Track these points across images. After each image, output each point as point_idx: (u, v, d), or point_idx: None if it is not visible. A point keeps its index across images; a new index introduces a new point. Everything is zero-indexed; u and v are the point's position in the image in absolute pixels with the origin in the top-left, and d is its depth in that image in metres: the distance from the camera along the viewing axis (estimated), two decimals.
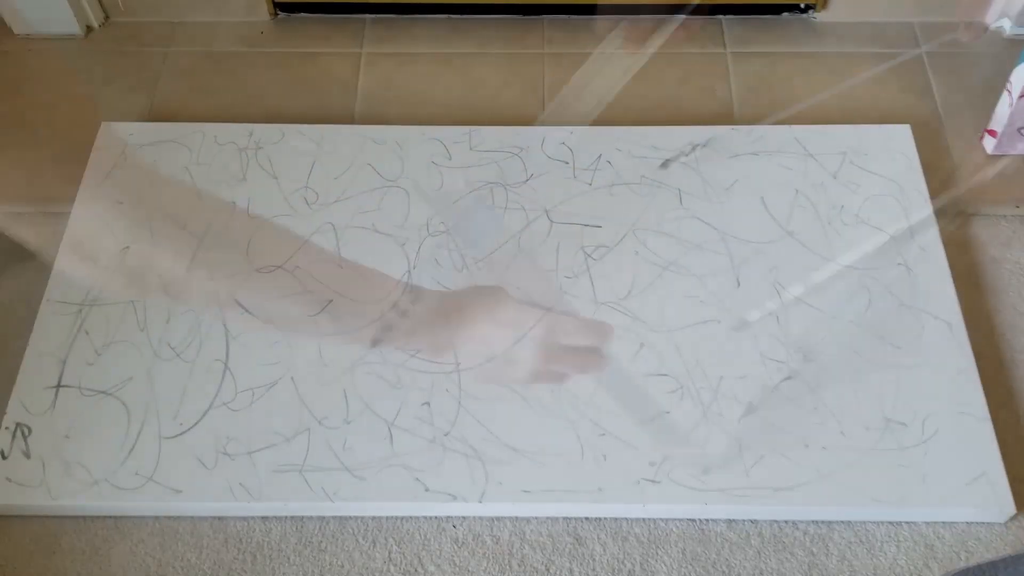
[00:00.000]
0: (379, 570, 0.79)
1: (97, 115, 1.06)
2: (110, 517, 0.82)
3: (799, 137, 1.03)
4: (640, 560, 0.80)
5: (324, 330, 0.84)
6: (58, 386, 0.86)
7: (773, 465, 0.81)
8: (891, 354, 0.87)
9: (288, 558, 0.80)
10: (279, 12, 1.21)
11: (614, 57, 1.06)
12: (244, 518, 0.82)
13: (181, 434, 0.83)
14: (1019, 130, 1.03)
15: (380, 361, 0.87)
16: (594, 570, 0.79)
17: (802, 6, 1.20)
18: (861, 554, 0.80)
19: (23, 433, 0.83)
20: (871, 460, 0.82)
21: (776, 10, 1.20)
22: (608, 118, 1.08)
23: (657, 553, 0.80)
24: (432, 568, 0.79)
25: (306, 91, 1.13)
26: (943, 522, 0.81)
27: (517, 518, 0.82)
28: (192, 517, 0.82)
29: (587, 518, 0.82)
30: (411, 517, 0.82)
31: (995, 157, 1.06)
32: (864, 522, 0.81)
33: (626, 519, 0.82)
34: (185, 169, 1.01)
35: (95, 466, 0.82)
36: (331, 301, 0.91)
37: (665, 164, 0.84)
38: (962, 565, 0.79)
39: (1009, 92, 1.01)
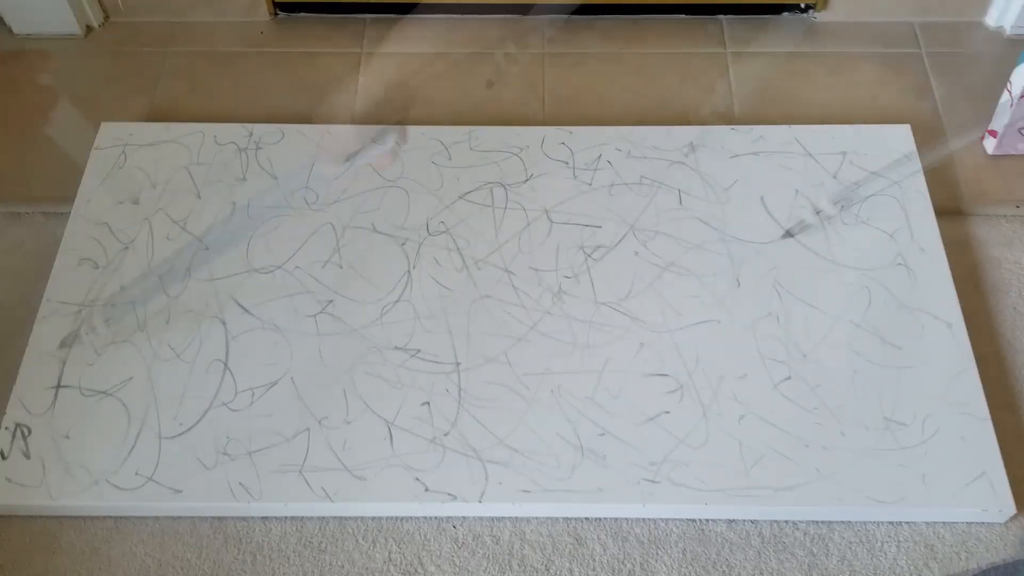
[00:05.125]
0: (379, 570, 0.79)
1: (97, 115, 1.07)
2: (110, 517, 0.82)
3: (799, 137, 1.03)
4: (640, 560, 0.80)
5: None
6: (58, 386, 0.86)
7: (773, 465, 0.81)
8: (891, 354, 0.87)
9: (288, 558, 0.80)
10: (279, 12, 1.21)
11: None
12: (244, 518, 0.82)
13: (181, 434, 0.83)
14: (1019, 130, 1.03)
15: (380, 361, 0.87)
16: (594, 570, 0.79)
17: (802, 6, 1.20)
18: (861, 554, 0.80)
19: (23, 433, 0.83)
20: (871, 460, 0.82)
21: (776, 10, 1.20)
22: (608, 118, 1.08)
23: (657, 553, 0.80)
24: (432, 568, 0.79)
25: (306, 91, 1.13)
26: (943, 522, 0.81)
27: (517, 518, 0.82)
28: (192, 517, 0.82)
29: (587, 518, 0.82)
30: (411, 517, 0.82)
31: (995, 157, 1.06)
32: (864, 522, 0.81)
33: (626, 519, 0.82)
34: (185, 169, 1.01)
35: (95, 466, 0.82)
36: (331, 301, 0.91)
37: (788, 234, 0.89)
38: (963, 567, 0.79)
39: (1009, 92, 1.01)
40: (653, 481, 0.81)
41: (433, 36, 1.19)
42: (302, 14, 1.21)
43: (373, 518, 0.82)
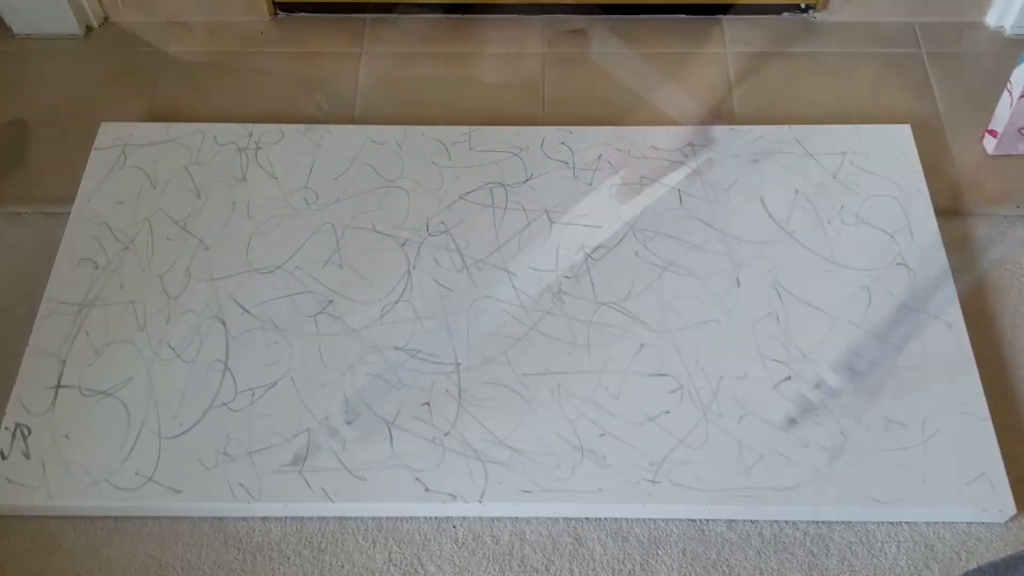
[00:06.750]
0: (379, 570, 0.79)
1: (97, 115, 1.06)
2: (110, 517, 0.82)
3: (799, 137, 1.03)
4: (640, 560, 0.80)
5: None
6: (58, 386, 0.86)
7: (773, 465, 0.81)
8: (891, 354, 0.87)
9: (288, 558, 0.80)
10: (279, 12, 1.21)
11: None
12: (244, 518, 0.82)
13: (181, 434, 0.83)
14: (1019, 130, 1.03)
15: (380, 361, 0.87)
16: (594, 570, 0.79)
17: (802, 6, 1.20)
18: (861, 554, 0.80)
19: (23, 433, 0.83)
20: (871, 460, 0.82)
21: (776, 10, 1.20)
22: (608, 118, 1.08)
23: (657, 553, 0.80)
24: (432, 568, 0.79)
25: (306, 91, 1.13)
26: (943, 522, 0.81)
27: (517, 518, 0.82)
28: (192, 517, 0.82)
29: (587, 518, 0.82)
30: (411, 517, 0.82)
31: (995, 157, 1.06)
32: (864, 522, 0.81)
33: (626, 519, 0.82)
34: (185, 169, 1.01)
35: (95, 466, 0.82)
36: (331, 301, 0.91)
37: None
38: (963, 567, 0.79)
39: (1009, 92, 1.01)
40: (653, 481, 0.81)
41: (433, 36, 1.19)
42: (302, 14, 1.21)
43: (373, 518, 0.82)
